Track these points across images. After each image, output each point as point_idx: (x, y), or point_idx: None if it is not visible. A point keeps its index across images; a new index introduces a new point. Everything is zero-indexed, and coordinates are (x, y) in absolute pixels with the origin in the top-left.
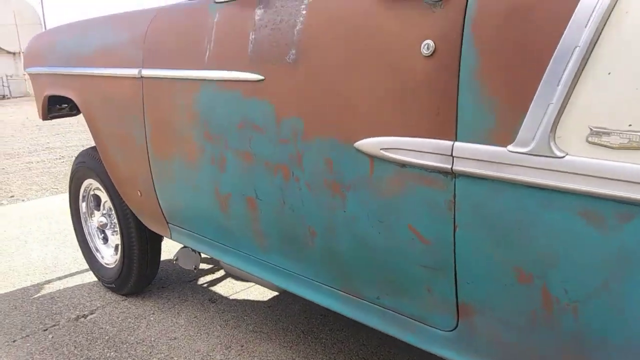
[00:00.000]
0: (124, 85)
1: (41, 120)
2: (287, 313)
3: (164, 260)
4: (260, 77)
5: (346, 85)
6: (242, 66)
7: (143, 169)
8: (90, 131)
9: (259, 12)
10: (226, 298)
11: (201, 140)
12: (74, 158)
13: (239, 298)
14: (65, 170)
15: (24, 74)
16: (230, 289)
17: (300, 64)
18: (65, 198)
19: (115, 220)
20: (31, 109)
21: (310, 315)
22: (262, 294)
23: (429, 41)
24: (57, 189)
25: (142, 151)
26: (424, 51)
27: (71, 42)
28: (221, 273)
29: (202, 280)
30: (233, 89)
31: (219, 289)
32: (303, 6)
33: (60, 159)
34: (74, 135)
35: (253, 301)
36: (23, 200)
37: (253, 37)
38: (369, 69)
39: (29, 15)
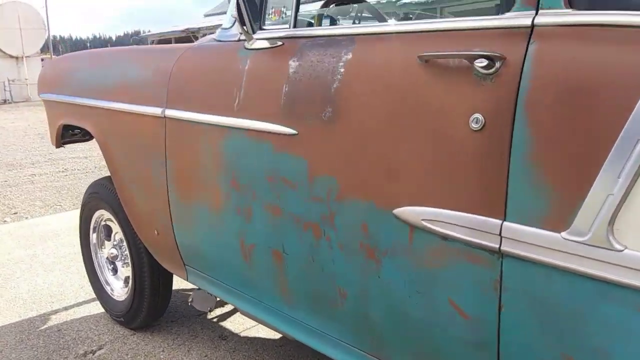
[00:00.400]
0: (146, 123)
1: (54, 147)
2: (299, 353)
3: (173, 291)
4: (293, 131)
5: (386, 150)
6: (274, 118)
7: (161, 209)
8: (107, 164)
9: (293, 64)
10: (237, 335)
11: (227, 188)
12: (77, 171)
13: (250, 335)
14: (68, 185)
15: (26, 79)
16: (240, 324)
17: (337, 122)
18: (69, 217)
19: (127, 252)
20: (32, 115)
21: (322, 357)
22: (273, 332)
23: (478, 115)
24: (60, 205)
25: (162, 191)
26: (473, 125)
27: (91, 72)
28: (231, 307)
29: (212, 314)
30: (263, 141)
31: (229, 324)
32: (341, 64)
33: (63, 171)
34: (77, 145)
35: (264, 339)
36: (27, 218)
37: (287, 89)
38: (412, 135)
39: (33, 19)
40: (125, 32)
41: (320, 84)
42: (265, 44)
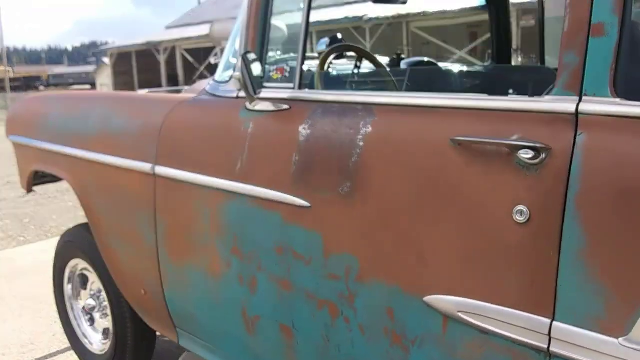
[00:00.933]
0: (133, 179)
1: (25, 191)
2: None
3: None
4: (305, 203)
5: (414, 232)
6: (283, 187)
7: (150, 269)
8: (87, 216)
9: (303, 131)
10: None
11: (227, 255)
12: (39, 196)
13: None
14: (31, 212)
15: None
16: None
17: (357, 199)
18: (34, 251)
19: (106, 303)
20: None
21: None
22: None
23: (522, 207)
24: (24, 237)
25: (151, 251)
26: (517, 217)
27: (68, 117)
28: None
29: None
30: (271, 210)
31: None
32: (359, 137)
33: (23, 196)
34: None
35: None
36: None
37: (297, 158)
38: (444, 220)
39: None
40: (82, 43)
41: (337, 157)
42: (269, 106)
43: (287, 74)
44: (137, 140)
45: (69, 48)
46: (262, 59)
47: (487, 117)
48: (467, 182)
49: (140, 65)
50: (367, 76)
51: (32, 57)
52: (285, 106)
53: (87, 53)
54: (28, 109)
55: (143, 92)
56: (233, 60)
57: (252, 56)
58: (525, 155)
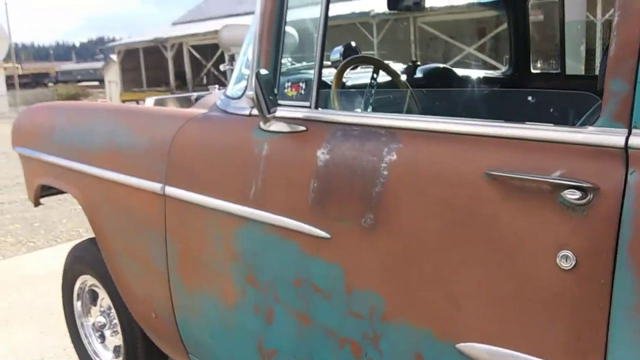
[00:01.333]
0: (142, 198)
1: (32, 205)
2: None
3: None
4: (325, 234)
5: (445, 272)
6: (300, 216)
7: (161, 293)
8: (95, 234)
9: (322, 156)
10: None
11: (242, 283)
12: (49, 200)
13: None
14: (40, 216)
15: None
16: None
17: (381, 231)
18: (44, 257)
19: (116, 321)
20: None
21: None
22: None
23: (568, 252)
24: (34, 242)
25: (162, 274)
26: (562, 263)
27: (75, 130)
28: None
29: None
30: (288, 239)
31: None
32: (383, 165)
33: None
34: None
35: None
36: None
37: (315, 185)
38: (480, 261)
39: None
40: (90, 39)
41: (358, 186)
42: (284, 126)
43: (302, 92)
44: (146, 158)
45: (77, 44)
46: (276, 75)
47: (525, 148)
48: (505, 220)
49: (148, 62)
50: (384, 91)
51: (40, 53)
52: (302, 127)
53: (95, 49)
54: (33, 120)
55: (151, 101)
56: (246, 71)
57: (266, 74)
58: (571, 195)
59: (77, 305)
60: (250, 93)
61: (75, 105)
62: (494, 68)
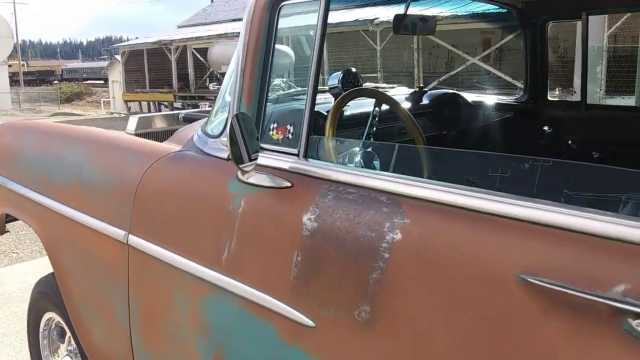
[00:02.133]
0: (105, 244)
1: None
2: None
3: None
4: (309, 322)
5: None
6: (280, 294)
7: (123, 350)
8: (56, 276)
9: (308, 223)
10: None
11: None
12: None
13: None
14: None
15: None
16: None
17: (378, 330)
18: (26, 271)
19: None
20: None
21: None
22: None
23: None
24: (17, 252)
25: (124, 332)
26: None
27: (42, 157)
28: None
29: None
30: (265, 320)
31: None
32: (384, 245)
33: None
34: None
35: None
36: None
37: (299, 258)
38: None
39: (2, 28)
40: (97, 38)
41: (352, 267)
42: (265, 179)
43: (289, 136)
44: (112, 200)
45: (84, 42)
46: (260, 115)
47: (577, 244)
48: (546, 341)
49: (151, 64)
50: (388, 131)
51: (47, 50)
52: (287, 183)
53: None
54: (1, 140)
55: (134, 119)
56: (229, 99)
57: (246, 118)
58: None
59: (44, 344)
60: (225, 139)
61: (47, 128)
62: (499, 79)
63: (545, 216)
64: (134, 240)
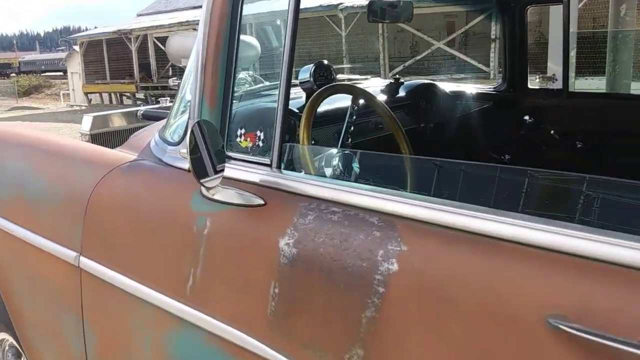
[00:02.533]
0: (55, 266)
1: None
2: None
3: None
4: None
5: None
6: (256, 330)
7: None
8: (4, 299)
9: (287, 250)
10: None
11: None
12: None
13: None
14: None
15: None
16: None
17: None
18: None
19: None
20: None
21: None
22: None
23: None
24: None
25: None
26: None
27: None
28: None
29: None
30: (239, 359)
31: None
32: (378, 277)
33: None
34: None
35: None
36: None
37: (277, 290)
38: None
39: None
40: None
41: (340, 304)
42: (233, 196)
43: (260, 143)
44: (60, 217)
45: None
46: (225, 123)
47: (617, 281)
48: None
49: (111, 54)
50: (365, 126)
51: (2, 43)
52: (259, 200)
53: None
54: None
55: (88, 119)
56: (190, 97)
57: (209, 126)
58: None
59: None
60: (184, 151)
61: None
62: (464, 62)
63: (578, 244)
64: (86, 262)
